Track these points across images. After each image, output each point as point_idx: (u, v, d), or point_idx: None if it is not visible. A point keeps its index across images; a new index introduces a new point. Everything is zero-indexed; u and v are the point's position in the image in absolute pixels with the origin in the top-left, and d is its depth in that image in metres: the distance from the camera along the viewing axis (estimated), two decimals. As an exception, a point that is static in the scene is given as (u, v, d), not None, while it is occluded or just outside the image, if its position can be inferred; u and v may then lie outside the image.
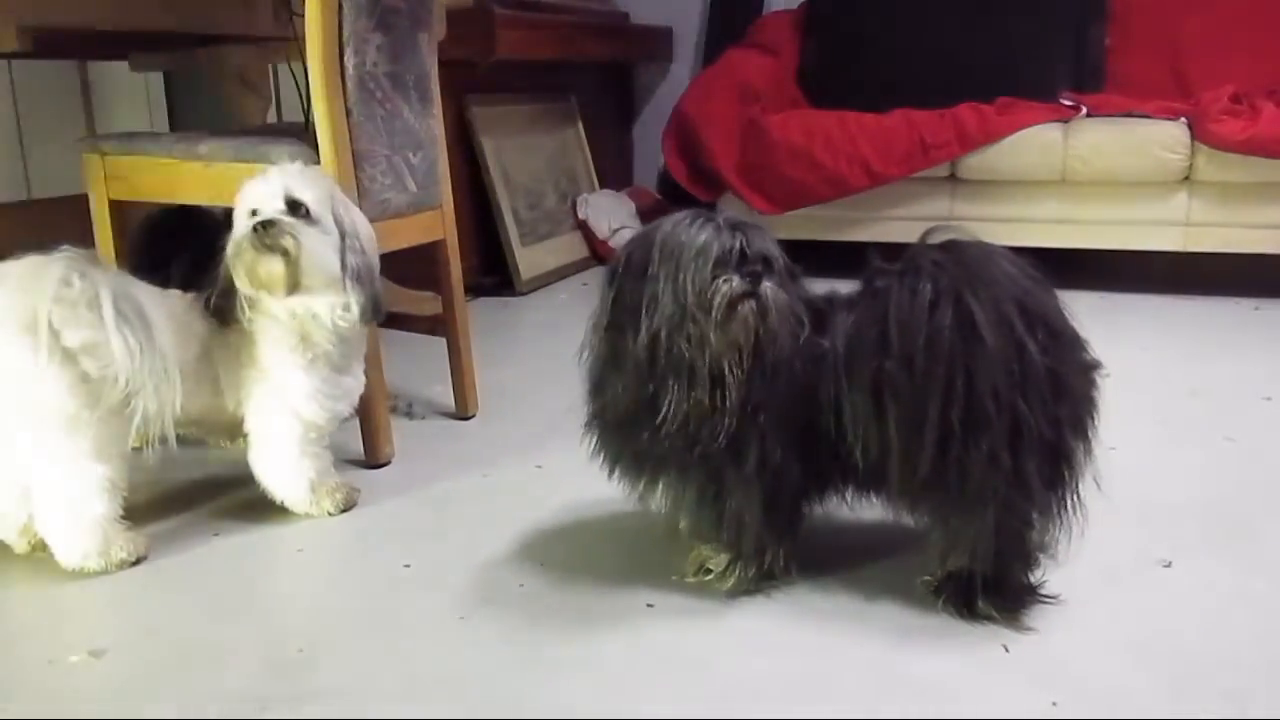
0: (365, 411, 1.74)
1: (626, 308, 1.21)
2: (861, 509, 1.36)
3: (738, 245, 1.19)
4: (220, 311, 1.52)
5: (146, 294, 1.43)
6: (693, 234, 1.20)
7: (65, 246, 1.35)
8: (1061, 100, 3.12)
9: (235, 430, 1.58)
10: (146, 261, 1.92)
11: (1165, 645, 1.21)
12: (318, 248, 1.46)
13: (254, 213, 1.46)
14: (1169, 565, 1.40)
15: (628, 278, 1.22)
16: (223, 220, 1.88)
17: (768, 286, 1.19)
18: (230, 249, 1.47)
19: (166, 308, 1.48)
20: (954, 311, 1.14)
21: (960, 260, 1.18)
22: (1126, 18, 3.42)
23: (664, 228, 1.23)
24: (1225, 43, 3.30)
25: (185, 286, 1.86)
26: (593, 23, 3.78)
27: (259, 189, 1.48)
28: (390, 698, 1.14)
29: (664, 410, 1.20)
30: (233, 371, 1.53)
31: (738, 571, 1.32)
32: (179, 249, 1.92)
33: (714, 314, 1.17)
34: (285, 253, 1.45)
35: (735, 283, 1.18)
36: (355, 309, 1.51)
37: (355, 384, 1.62)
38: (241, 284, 1.48)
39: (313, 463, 1.57)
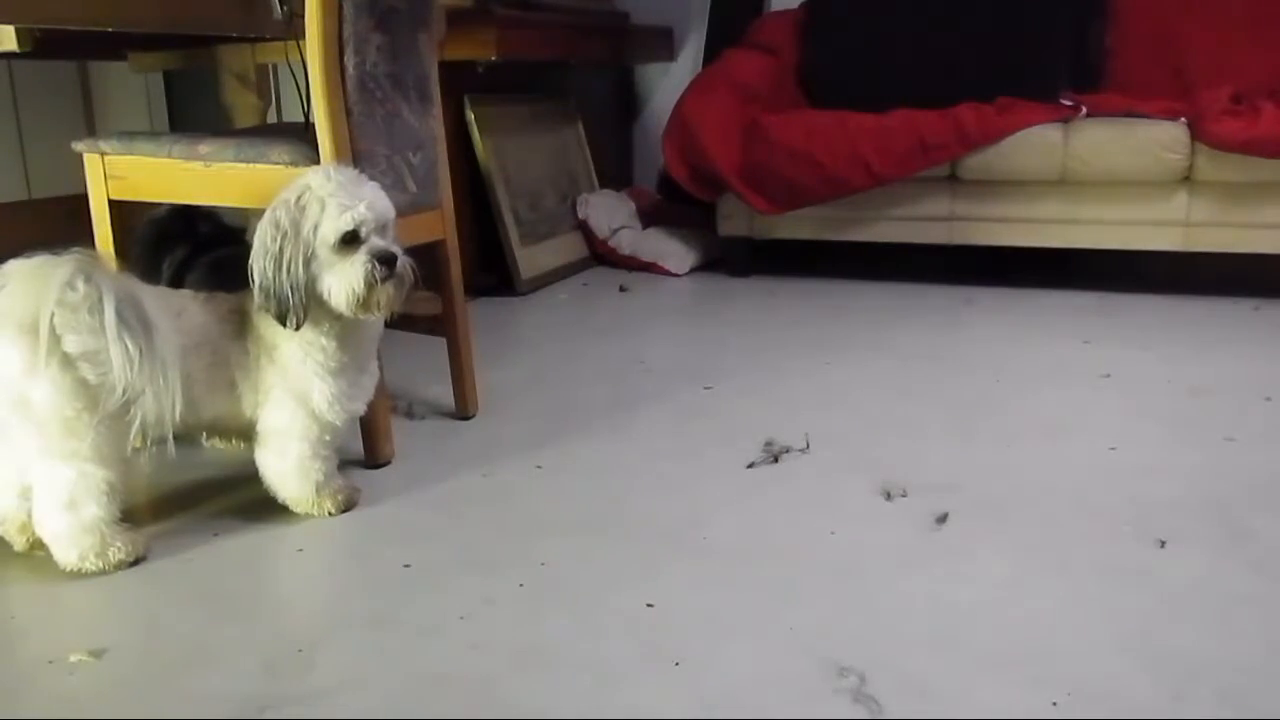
0: (366, 411, 1.74)
1: None
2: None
3: None
4: (287, 320, 1.47)
5: (154, 298, 1.42)
6: None
7: (75, 248, 1.34)
8: (1061, 100, 3.12)
9: (251, 433, 1.58)
10: (150, 262, 1.92)
11: (1165, 645, 1.21)
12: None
13: (353, 235, 1.46)
14: (1168, 565, 1.41)
15: None
16: (232, 224, 1.88)
17: None
18: (346, 282, 1.46)
19: (175, 311, 1.47)
20: None
21: None
22: (1126, 18, 3.42)
23: None
24: (1225, 43, 3.29)
25: (175, 282, 1.87)
26: (593, 23, 3.78)
27: (360, 213, 1.46)
28: (391, 698, 1.14)
29: None
30: (251, 374, 1.53)
31: None
32: (172, 245, 1.93)
33: None
34: (401, 279, 1.50)
35: None
36: None
37: (371, 381, 1.63)
38: (348, 307, 1.47)
39: (322, 464, 1.58)
